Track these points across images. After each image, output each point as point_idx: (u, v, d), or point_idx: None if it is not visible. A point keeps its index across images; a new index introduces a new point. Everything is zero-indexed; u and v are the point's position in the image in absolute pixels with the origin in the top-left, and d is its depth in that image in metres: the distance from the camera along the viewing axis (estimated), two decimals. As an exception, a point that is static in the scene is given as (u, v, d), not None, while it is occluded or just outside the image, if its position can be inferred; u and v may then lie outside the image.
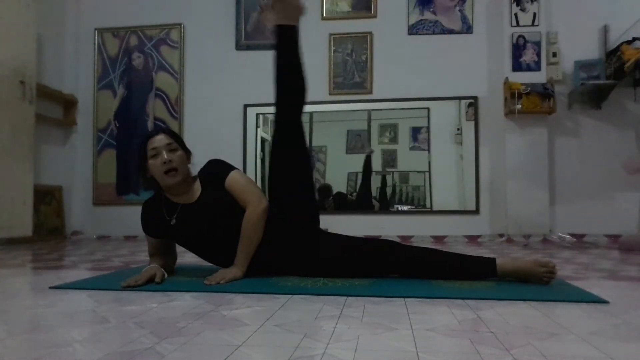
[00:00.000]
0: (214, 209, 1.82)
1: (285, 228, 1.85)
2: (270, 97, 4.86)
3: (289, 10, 1.87)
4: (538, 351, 0.93)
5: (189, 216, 1.82)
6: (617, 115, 3.95)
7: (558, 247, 3.44)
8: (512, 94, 3.82)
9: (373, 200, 4.26)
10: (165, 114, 4.51)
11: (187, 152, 1.89)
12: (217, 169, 1.88)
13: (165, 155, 1.78)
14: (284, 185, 1.90)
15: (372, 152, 4.26)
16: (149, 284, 1.68)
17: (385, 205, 4.24)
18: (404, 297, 1.47)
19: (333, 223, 2.87)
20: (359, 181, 4.31)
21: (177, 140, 1.87)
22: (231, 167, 1.89)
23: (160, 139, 1.81)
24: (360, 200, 4.27)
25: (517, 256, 2.78)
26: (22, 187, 3.67)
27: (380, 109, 4.30)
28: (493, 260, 1.72)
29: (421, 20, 4.26)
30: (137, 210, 1.95)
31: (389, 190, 4.27)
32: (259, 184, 4.25)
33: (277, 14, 1.87)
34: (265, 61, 4.43)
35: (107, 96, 4.61)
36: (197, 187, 1.87)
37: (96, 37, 4.65)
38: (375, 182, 4.29)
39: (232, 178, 1.84)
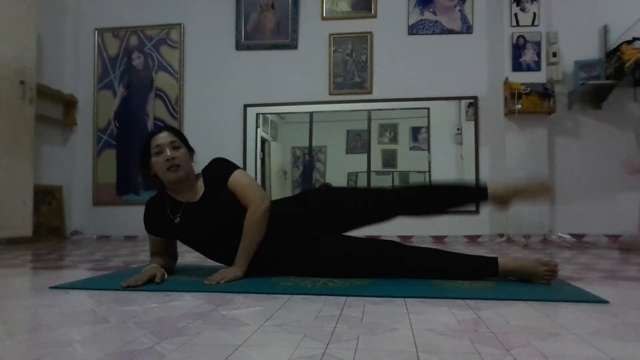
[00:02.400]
0: (218, 207, 1.82)
1: (286, 228, 1.85)
2: (271, 97, 4.85)
3: (532, 196, 1.79)
4: (538, 351, 0.93)
5: (193, 215, 1.82)
6: (617, 115, 3.95)
7: (558, 247, 3.44)
8: (512, 94, 3.82)
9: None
10: (165, 114, 4.51)
11: (191, 151, 1.90)
12: (220, 168, 1.88)
13: (168, 152, 1.78)
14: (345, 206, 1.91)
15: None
16: (149, 284, 1.68)
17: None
18: (404, 297, 1.46)
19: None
20: (365, 181, 4.30)
21: (180, 138, 1.87)
22: (235, 167, 1.89)
23: (164, 137, 1.82)
24: None
25: (517, 256, 2.78)
26: (22, 187, 3.67)
27: (380, 109, 4.30)
28: (495, 259, 1.72)
29: (421, 20, 4.26)
30: (137, 210, 1.95)
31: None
32: (259, 183, 4.25)
33: (521, 195, 1.77)
34: (265, 61, 4.46)
35: (107, 96, 4.61)
36: (200, 186, 1.87)
37: (96, 37, 4.65)
38: (375, 182, 4.29)
39: (235, 177, 1.84)
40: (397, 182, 4.29)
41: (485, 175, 4.09)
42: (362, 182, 4.31)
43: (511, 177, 3.74)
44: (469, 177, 4.11)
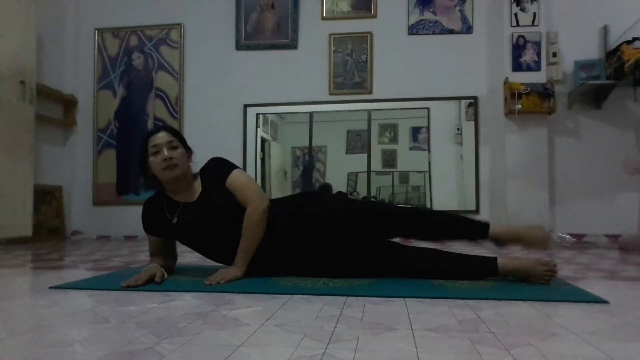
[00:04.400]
0: (215, 207, 1.81)
1: (286, 228, 1.84)
2: (271, 97, 4.85)
3: (530, 244, 1.80)
4: (538, 351, 0.93)
5: (190, 215, 1.82)
6: (617, 115, 3.94)
7: (558, 247, 3.44)
8: (512, 94, 3.82)
9: (372, 199, 4.26)
10: (165, 114, 4.51)
11: (189, 151, 1.89)
12: (218, 168, 1.88)
13: (165, 152, 1.78)
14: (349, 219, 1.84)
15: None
16: (149, 284, 1.68)
17: (385, 205, 4.24)
18: (404, 297, 1.46)
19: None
20: (365, 181, 4.30)
21: (178, 138, 1.87)
22: (233, 166, 1.88)
23: (162, 137, 1.82)
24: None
25: (517, 256, 2.78)
26: (22, 187, 3.67)
27: (380, 109, 4.30)
28: (494, 259, 1.72)
29: (421, 20, 4.26)
30: (137, 210, 1.95)
31: (388, 190, 4.27)
32: (258, 183, 4.25)
33: (527, 242, 1.79)
34: (265, 61, 4.46)
35: (107, 96, 4.61)
36: (198, 186, 1.87)
37: (96, 37, 4.65)
38: (375, 182, 4.29)
39: (234, 177, 1.84)
40: (397, 182, 4.29)
41: (485, 175, 4.10)
42: (362, 182, 4.31)
43: (513, 221, 3.81)
44: (468, 176, 4.11)
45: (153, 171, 1.83)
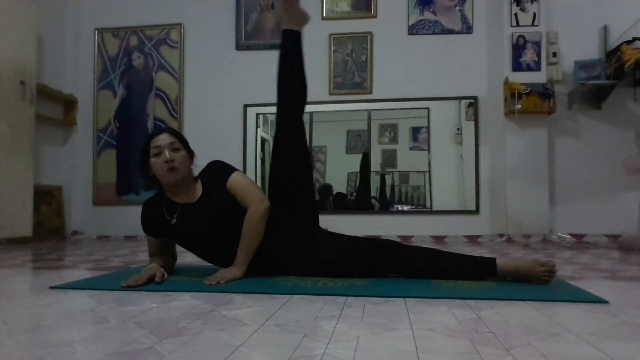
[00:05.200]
0: (215, 209, 1.82)
1: (285, 228, 1.85)
2: (270, 97, 4.85)
3: (295, 17, 1.99)
4: (538, 351, 0.93)
5: (189, 216, 1.82)
6: (617, 115, 3.95)
7: (558, 247, 3.44)
8: (512, 94, 3.82)
9: (373, 200, 4.26)
10: (165, 114, 4.52)
11: (190, 153, 1.90)
12: (218, 170, 1.89)
13: (167, 154, 1.78)
14: (284, 185, 1.91)
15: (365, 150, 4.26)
16: (149, 284, 1.68)
17: (385, 205, 4.24)
18: (404, 297, 1.46)
19: (333, 223, 2.87)
20: (358, 181, 4.31)
21: (180, 140, 1.87)
22: (233, 169, 1.89)
23: (164, 138, 1.82)
24: (358, 200, 4.27)
25: (517, 256, 2.78)
26: (22, 187, 3.67)
27: (380, 109, 4.30)
28: (493, 260, 1.72)
29: (421, 20, 4.26)
30: (137, 210, 1.95)
31: (388, 190, 4.27)
32: (259, 183, 4.25)
33: (285, 20, 1.99)
34: (265, 61, 4.45)
35: (107, 96, 4.62)
36: (199, 188, 1.87)
37: (96, 37, 4.65)
38: (374, 182, 4.29)
39: (234, 179, 1.84)
40: (397, 182, 4.28)
41: (485, 175, 4.10)
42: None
43: (513, 221, 3.87)
44: (468, 176, 4.11)
45: (154, 172, 1.83)
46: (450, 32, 4.22)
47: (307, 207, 1.93)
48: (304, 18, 2.02)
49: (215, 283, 1.67)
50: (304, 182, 1.94)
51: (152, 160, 1.81)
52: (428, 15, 4.25)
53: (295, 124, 1.93)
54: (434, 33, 4.24)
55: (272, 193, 1.93)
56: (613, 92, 3.85)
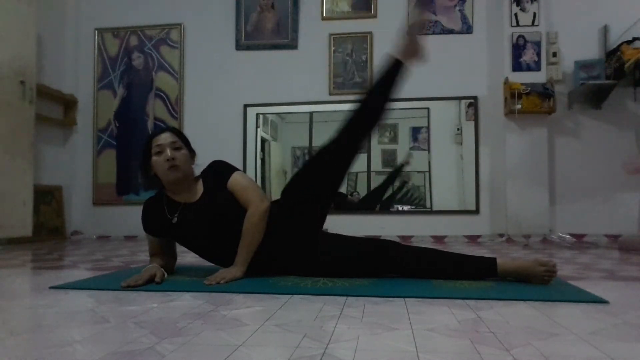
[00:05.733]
0: (215, 209, 1.82)
1: (289, 228, 1.85)
2: (271, 97, 4.85)
3: (412, 49, 1.96)
4: (538, 351, 0.93)
5: (190, 215, 1.82)
6: (617, 115, 3.95)
7: (558, 247, 3.44)
8: (512, 94, 3.82)
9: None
10: (165, 114, 4.52)
11: (192, 152, 1.90)
12: (219, 170, 1.89)
13: (168, 152, 1.79)
14: (311, 187, 1.89)
15: (407, 163, 4.23)
16: (149, 284, 1.68)
17: (385, 205, 4.24)
18: (404, 297, 1.46)
19: (333, 223, 2.87)
20: (365, 181, 4.29)
21: (182, 139, 1.88)
22: (234, 168, 1.89)
23: (166, 137, 1.83)
24: (367, 200, 4.26)
25: (517, 256, 2.78)
26: (22, 187, 3.67)
27: (380, 109, 4.29)
28: (493, 260, 1.72)
29: (421, 20, 4.25)
30: (137, 210, 1.95)
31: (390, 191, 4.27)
32: (259, 183, 4.25)
33: (401, 49, 1.95)
34: (265, 61, 4.46)
35: (107, 96, 4.61)
36: (199, 187, 1.88)
37: (96, 37, 4.65)
38: (375, 182, 4.28)
39: (235, 179, 1.85)
40: (397, 183, 4.28)
41: (485, 175, 4.10)
42: (362, 182, 4.31)
43: (513, 221, 3.86)
44: (468, 176, 4.11)
45: (155, 171, 1.83)
46: (450, 32, 4.22)
47: (321, 213, 1.94)
48: (420, 54, 1.98)
49: (215, 283, 1.67)
50: (330, 191, 1.96)
51: (154, 158, 1.81)
52: (428, 15, 4.25)
53: (354, 144, 1.93)
54: (433, 33, 4.24)
55: (293, 190, 1.92)
56: (613, 92, 3.85)
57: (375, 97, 1.97)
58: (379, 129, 4.31)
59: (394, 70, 1.94)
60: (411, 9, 1.93)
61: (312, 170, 1.94)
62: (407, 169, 4.26)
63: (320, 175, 1.90)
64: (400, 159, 4.27)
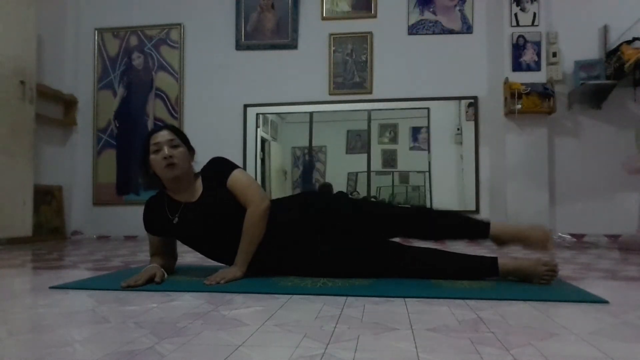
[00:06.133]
0: (216, 207, 1.81)
1: (287, 228, 1.85)
2: (270, 97, 4.84)
3: (530, 245, 1.80)
4: (538, 351, 0.93)
5: (191, 215, 1.82)
6: (617, 115, 3.95)
7: (558, 247, 3.44)
8: (512, 94, 3.82)
9: (372, 199, 4.26)
10: (165, 114, 4.52)
11: (191, 150, 1.90)
12: (219, 168, 1.88)
13: (166, 150, 1.78)
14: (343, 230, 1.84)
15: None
16: (149, 284, 1.68)
17: (385, 205, 4.24)
18: (404, 297, 1.46)
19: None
20: (365, 181, 4.29)
21: (180, 137, 1.87)
22: (234, 166, 1.88)
23: (163, 135, 1.82)
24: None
25: (517, 256, 2.77)
26: (22, 187, 3.67)
27: (380, 109, 4.30)
28: (494, 259, 1.72)
29: (421, 20, 4.26)
30: (137, 210, 1.95)
31: (387, 191, 4.27)
32: (258, 183, 4.25)
33: (526, 242, 1.79)
34: (265, 61, 4.46)
35: (107, 96, 4.62)
36: (199, 186, 1.87)
37: (96, 37, 4.65)
38: (375, 182, 4.29)
39: (235, 177, 1.84)
40: (397, 182, 4.29)
41: (485, 175, 4.10)
42: (362, 182, 4.31)
43: (513, 221, 3.78)
44: (468, 176, 4.11)
45: (154, 169, 1.83)
46: (450, 32, 4.22)
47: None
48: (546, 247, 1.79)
49: (215, 283, 1.67)
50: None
51: (152, 156, 1.81)
52: (428, 15, 4.25)
53: (394, 233, 1.88)
54: (434, 33, 4.24)
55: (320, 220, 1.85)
56: (613, 92, 3.85)
57: (437, 226, 1.87)
58: (380, 128, 4.31)
59: (477, 234, 1.82)
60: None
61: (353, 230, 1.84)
62: (407, 168, 4.26)
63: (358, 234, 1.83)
64: (400, 158, 4.28)
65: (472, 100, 4.16)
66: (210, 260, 1.97)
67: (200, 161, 1.93)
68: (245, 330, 1.09)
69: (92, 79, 4.63)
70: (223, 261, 1.90)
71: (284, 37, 4.39)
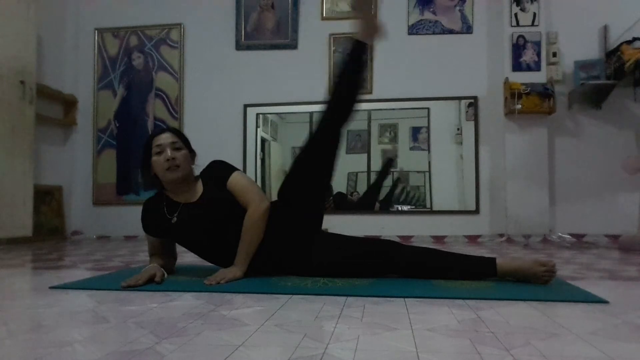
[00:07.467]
0: (215, 208, 1.82)
1: (287, 227, 1.85)
2: (270, 97, 4.86)
3: (369, 29, 1.93)
4: (538, 351, 0.93)
5: (189, 215, 1.82)
6: (617, 115, 3.95)
7: (558, 247, 3.44)
8: (512, 94, 3.82)
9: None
10: (165, 114, 4.51)
11: (192, 153, 1.91)
12: (219, 170, 1.90)
13: (168, 152, 1.80)
14: (303, 185, 1.91)
15: (395, 156, 4.24)
16: (149, 284, 1.68)
17: (385, 205, 4.24)
18: (404, 297, 1.46)
19: (333, 223, 2.87)
20: (365, 181, 4.29)
21: (182, 139, 1.88)
22: (233, 168, 1.90)
23: (166, 137, 1.83)
24: (365, 199, 4.26)
25: (517, 256, 2.78)
26: (22, 187, 3.67)
27: (380, 109, 4.30)
28: (493, 260, 1.72)
29: (421, 20, 4.26)
30: (137, 210, 1.95)
31: (386, 191, 4.26)
32: (258, 184, 4.25)
33: (359, 30, 1.93)
34: (265, 61, 4.46)
35: (107, 96, 4.61)
36: (199, 187, 1.88)
37: (96, 37, 4.65)
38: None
39: (234, 178, 1.85)
40: (390, 178, 4.27)
41: (485, 175, 4.10)
42: (362, 182, 4.31)
43: (513, 221, 3.87)
44: (468, 176, 4.10)
45: (155, 171, 1.83)
46: (450, 32, 4.22)
47: (318, 210, 1.95)
48: (378, 31, 1.97)
49: (216, 283, 1.67)
50: (321, 187, 1.98)
51: (154, 158, 1.82)
52: (428, 15, 4.25)
53: (335, 133, 1.91)
54: (434, 33, 4.24)
55: (286, 191, 1.93)
56: (613, 92, 3.85)
57: (345, 85, 1.95)
58: (380, 128, 4.31)
59: (357, 52, 1.94)
60: None
61: (299, 169, 1.95)
62: (407, 168, 4.26)
63: (308, 173, 1.91)
64: (400, 159, 4.27)
65: (472, 100, 4.16)
66: (207, 261, 1.97)
67: (200, 163, 1.94)
68: (245, 330, 1.09)
69: (92, 79, 4.63)
70: (220, 262, 1.90)
71: (284, 37, 4.39)
